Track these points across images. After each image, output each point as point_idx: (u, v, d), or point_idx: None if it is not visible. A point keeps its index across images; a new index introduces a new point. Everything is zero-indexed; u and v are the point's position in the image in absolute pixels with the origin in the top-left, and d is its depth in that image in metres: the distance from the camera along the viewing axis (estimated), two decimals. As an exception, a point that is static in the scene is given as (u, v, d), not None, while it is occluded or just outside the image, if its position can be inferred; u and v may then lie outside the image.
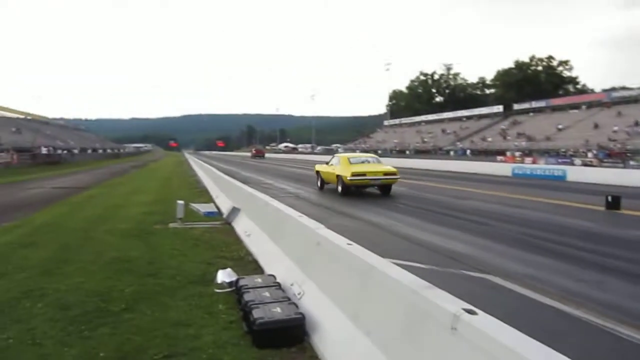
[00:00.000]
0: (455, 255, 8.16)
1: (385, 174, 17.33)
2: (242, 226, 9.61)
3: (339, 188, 17.61)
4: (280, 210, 7.25)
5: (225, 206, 12.57)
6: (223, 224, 10.89)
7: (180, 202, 11.36)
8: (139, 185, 24.08)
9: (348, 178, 16.98)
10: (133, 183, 25.53)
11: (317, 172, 20.61)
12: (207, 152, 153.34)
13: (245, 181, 20.51)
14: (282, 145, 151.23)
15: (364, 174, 17.10)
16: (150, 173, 36.73)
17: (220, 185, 16.06)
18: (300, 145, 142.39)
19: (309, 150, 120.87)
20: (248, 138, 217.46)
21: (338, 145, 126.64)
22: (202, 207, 12.90)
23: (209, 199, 15.55)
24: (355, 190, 17.77)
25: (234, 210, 11.04)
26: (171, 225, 10.96)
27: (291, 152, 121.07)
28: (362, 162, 18.33)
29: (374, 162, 18.49)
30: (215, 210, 12.69)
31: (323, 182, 19.87)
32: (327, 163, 19.93)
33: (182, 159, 74.69)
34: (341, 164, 18.17)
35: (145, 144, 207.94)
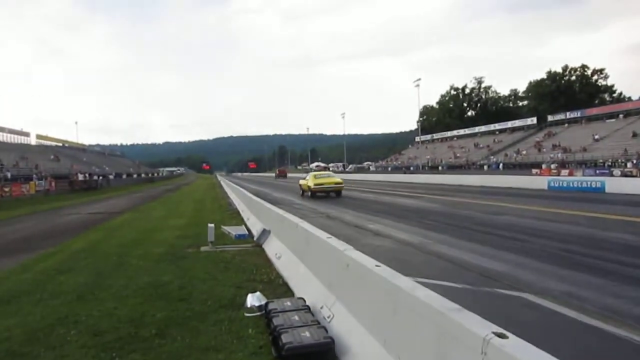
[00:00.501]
0: (489, 273, 8.00)
1: (335, 183, 27.51)
2: (273, 248, 9.58)
3: (309, 193, 27.55)
4: (310, 231, 7.21)
5: (256, 228, 12.59)
6: (254, 246, 10.91)
7: (211, 225, 11.44)
8: (172, 209, 24.39)
9: (313, 187, 27.22)
10: (166, 207, 25.88)
11: (300, 184, 30.43)
12: (239, 174, 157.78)
13: (276, 202, 20.69)
14: (313, 165, 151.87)
15: (322, 184, 27.39)
16: (183, 196, 37.13)
17: (251, 207, 16.22)
18: (331, 165, 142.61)
19: (340, 169, 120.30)
20: (280, 158, 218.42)
21: (369, 162, 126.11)
22: (233, 230, 12.95)
23: (240, 221, 15.64)
24: (322, 195, 27.10)
25: (265, 232, 11.04)
26: (203, 248, 11.03)
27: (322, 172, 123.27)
28: (323, 177, 28.80)
29: (329, 176, 28.96)
30: (246, 232, 12.72)
31: (303, 191, 29.18)
32: (304, 179, 29.55)
33: (215, 182, 76.38)
34: (310, 178, 28.39)
35: (178, 168, 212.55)
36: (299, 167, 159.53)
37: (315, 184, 27.10)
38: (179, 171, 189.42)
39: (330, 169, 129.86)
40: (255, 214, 14.47)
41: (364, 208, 19.71)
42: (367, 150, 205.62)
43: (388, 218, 15.92)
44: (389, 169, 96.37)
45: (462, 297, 6.34)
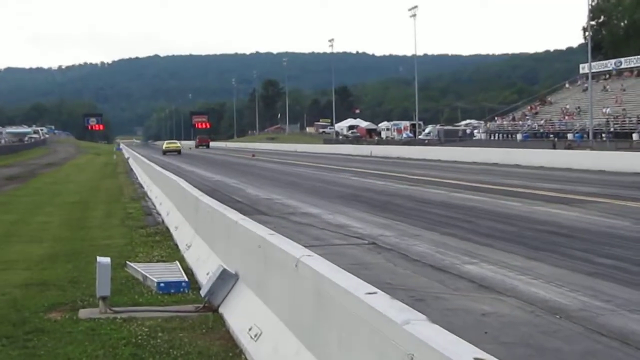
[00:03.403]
0: None
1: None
2: (244, 317, 5.25)
3: None
4: (332, 284, 3.45)
5: (204, 268, 6.75)
6: (200, 310, 5.85)
7: (105, 260, 5.64)
8: (22, 218, 14.31)
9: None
10: (9, 214, 15.12)
11: None
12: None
13: (254, 208, 14.31)
14: (344, 126, 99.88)
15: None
16: (44, 190, 22.73)
17: (198, 217, 9.55)
18: (386, 125, 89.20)
19: (407, 135, 71.26)
20: (266, 107, 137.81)
21: (473, 122, 77.45)
22: (154, 271, 7.11)
23: (169, 251, 9.22)
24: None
25: (225, 278, 5.87)
26: (83, 313, 5.87)
27: (365, 140, 76.12)
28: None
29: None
30: (182, 277, 6.87)
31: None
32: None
33: (117, 167, 40.53)
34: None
35: (35, 128, 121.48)
36: (317, 127, 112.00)
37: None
38: (35, 136, 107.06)
39: (383, 134, 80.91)
40: (204, 233, 8.21)
41: (446, 223, 11.50)
42: (471, 88, 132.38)
43: (508, 248, 8.86)
44: (519, 136, 52.47)
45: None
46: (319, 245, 9.11)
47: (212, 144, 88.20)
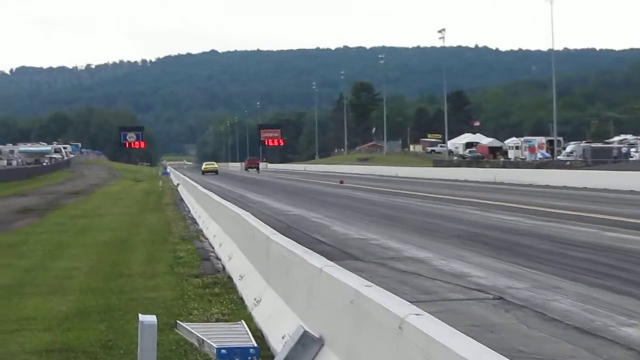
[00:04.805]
0: None
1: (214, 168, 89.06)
2: None
3: None
4: None
5: (279, 330, 7.02)
6: None
7: (149, 319, 6.03)
8: (39, 263, 14.73)
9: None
10: (24, 258, 15.45)
11: None
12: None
13: (343, 251, 14.57)
14: (460, 143, 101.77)
15: None
16: (70, 233, 21.22)
17: (270, 266, 9.51)
18: (514, 142, 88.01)
19: (543, 155, 74.42)
20: (358, 121, 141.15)
21: (629, 138, 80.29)
22: (213, 334, 7.41)
23: (233, 307, 9.27)
24: None
25: (306, 343, 5.88)
26: None
27: (487, 161, 79.41)
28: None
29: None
30: (250, 342, 7.14)
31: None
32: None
33: (161, 192, 44.58)
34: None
35: (57, 144, 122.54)
36: (429, 149, 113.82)
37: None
38: (56, 155, 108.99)
39: (509, 153, 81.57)
40: (281, 284, 8.43)
41: (595, 272, 11.60)
42: (625, 94, 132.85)
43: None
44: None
45: None
46: (430, 300, 9.37)
47: (286, 166, 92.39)
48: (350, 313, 5.26)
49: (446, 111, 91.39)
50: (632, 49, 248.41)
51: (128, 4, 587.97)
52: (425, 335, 3.89)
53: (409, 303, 4.71)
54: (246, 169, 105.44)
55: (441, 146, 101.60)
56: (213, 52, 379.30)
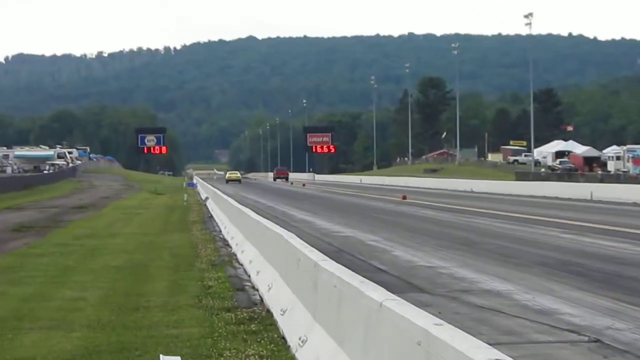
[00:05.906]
0: None
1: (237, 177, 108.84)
2: None
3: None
4: None
5: None
6: None
7: None
8: (39, 291, 14.79)
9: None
10: (20, 285, 15.55)
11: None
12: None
13: (407, 282, 14.64)
14: (549, 152, 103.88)
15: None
16: (76, 256, 21.08)
17: (308, 293, 9.73)
18: (615, 151, 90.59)
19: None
20: (426, 123, 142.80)
21: None
22: None
23: (273, 348, 9.34)
24: None
25: None
26: None
27: (581, 174, 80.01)
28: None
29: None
30: None
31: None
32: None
33: (186, 207, 46.15)
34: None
35: (60, 149, 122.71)
36: (512, 159, 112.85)
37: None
38: (59, 162, 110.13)
39: (609, 165, 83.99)
40: (331, 321, 8.51)
41: None
42: None
43: None
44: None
45: None
46: (512, 342, 9.40)
47: (338, 177, 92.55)
48: (417, 357, 5.31)
49: (532, 113, 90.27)
50: None
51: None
52: None
53: (488, 345, 4.73)
54: (274, 179, 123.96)
55: (526, 155, 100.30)
56: (251, 39, 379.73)
